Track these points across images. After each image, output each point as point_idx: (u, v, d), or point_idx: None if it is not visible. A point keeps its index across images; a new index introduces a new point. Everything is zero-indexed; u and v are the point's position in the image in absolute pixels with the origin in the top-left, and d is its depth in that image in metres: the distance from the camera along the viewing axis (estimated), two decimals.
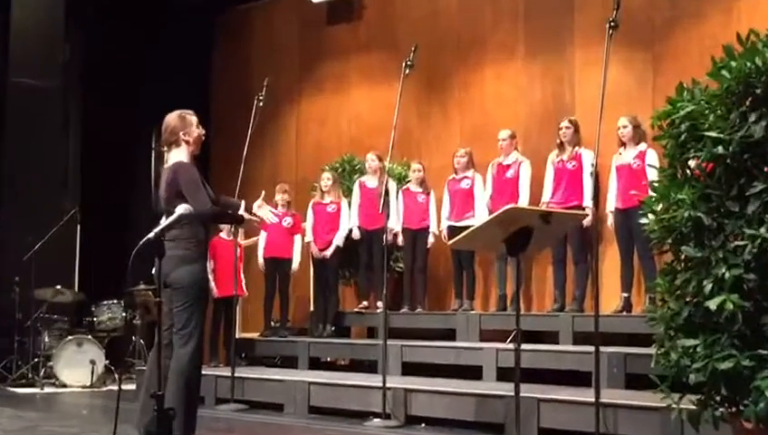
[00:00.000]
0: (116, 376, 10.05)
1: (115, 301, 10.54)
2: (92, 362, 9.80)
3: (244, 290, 9.64)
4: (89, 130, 12.16)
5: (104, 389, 9.83)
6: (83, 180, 12.09)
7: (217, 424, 7.25)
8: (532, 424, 6.17)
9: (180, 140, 5.57)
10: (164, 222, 4.58)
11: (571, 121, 8.68)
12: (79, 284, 11.50)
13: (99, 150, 12.02)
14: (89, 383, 9.76)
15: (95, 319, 10.47)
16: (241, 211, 5.69)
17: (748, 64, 4.00)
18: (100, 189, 11.99)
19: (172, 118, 5.64)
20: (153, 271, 4.60)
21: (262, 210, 5.85)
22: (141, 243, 4.33)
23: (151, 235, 4.35)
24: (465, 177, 9.26)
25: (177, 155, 5.52)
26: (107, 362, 10.00)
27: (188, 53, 12.50)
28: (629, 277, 8.22)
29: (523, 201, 8.79)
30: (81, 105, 12.23)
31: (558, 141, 8.75)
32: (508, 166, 9.05)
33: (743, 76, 4.02)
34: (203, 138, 5.70)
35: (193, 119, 5.65)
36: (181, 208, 4.64)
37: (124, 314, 10.44)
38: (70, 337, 9.93)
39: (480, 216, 8.84)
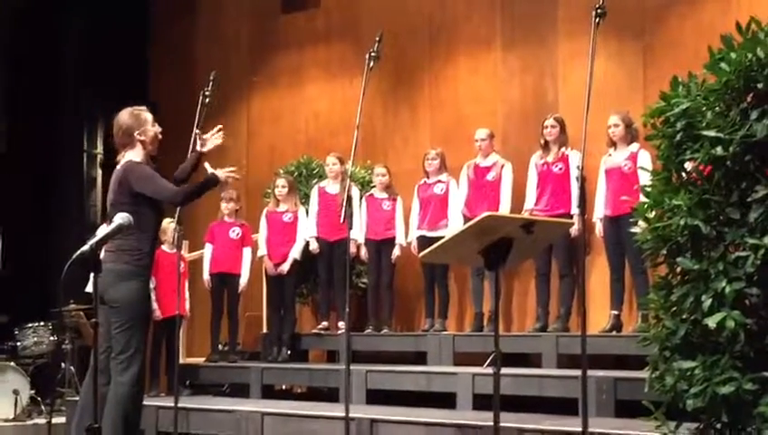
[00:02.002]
0: (43, 408, 9.95)
1: (41, 323, 10.41)
2: (16, 393, 9.68)
3: (186, 310, 9.60)
4: (11, 131, 12.04)
5: (30, 422, 9.72)
6: (4, 189, 11.96)
7: None
8: None
9: (135, 140, 5.61)
10: (100, 232, 4.57)
11: (556, 119, 8.73)
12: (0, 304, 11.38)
13: (22, 155, 11.91)
14: (12, 416, 9.65)
15: (19, 344, 10.35)
16: (210, 171, 5.76)
17: (749, 56, 4.06)
18: (24, 199, 11.88)
19: (124, 116, 5.68)
20: (88, 288, 4.59)
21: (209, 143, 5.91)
22: (75, 256, 4.30)
23: (86, 247, 4.32)
24: (439, 181, 9.30)
25: (131, 156, 5.54)
26: (32, 392, 9.88)
27: (122, 43, 12.42)
28: (620, 293, 8.28)
29: (505, 208, 8.84)
30: (3, 103, 12.11)
31: (542, 142, 8.79)
32: (488, 168, 9.09)
33: (743, 69, 4.08)
34: (160, 136, 5.73)
35: (147, 116, 5.70)
36: (120, 218, 4.62)
37: (52, 338, 10.34)
38: None
39: (455, 224, 8.88)
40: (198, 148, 6.14)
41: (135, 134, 5.60)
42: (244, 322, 10.26)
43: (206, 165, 5.93)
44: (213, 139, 6.11)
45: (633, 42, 9.11)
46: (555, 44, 9.64)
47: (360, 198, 9.55)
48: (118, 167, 5.67)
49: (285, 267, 9.55)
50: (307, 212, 9.70)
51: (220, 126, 6.39)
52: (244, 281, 9.71)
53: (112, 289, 5.21)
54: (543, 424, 6.37)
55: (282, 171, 10.20)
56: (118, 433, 5.13)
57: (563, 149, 8.68)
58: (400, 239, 9.46)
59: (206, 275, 9.74)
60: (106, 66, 12.16)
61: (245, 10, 12.26)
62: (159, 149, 6.00)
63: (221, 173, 5.82)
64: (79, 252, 4.33)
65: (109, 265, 5.01)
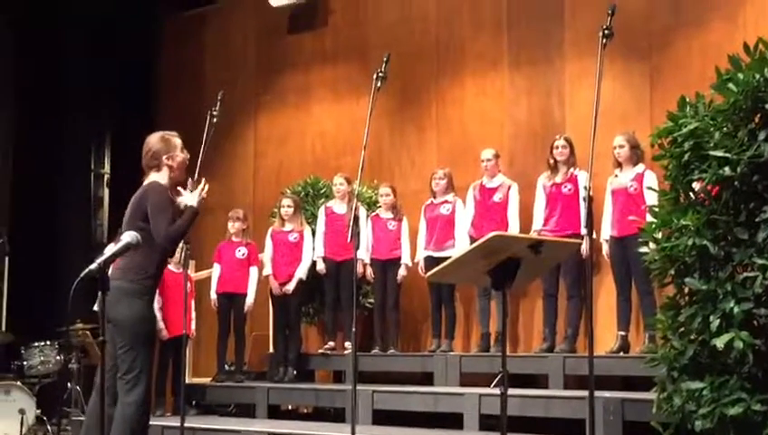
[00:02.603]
0: (49, 428, 9.94)
1: (48, 342, 10.41)
2: (22, 412, 9.67)
3: (192, 330, 9.60)
4: (18, 149, 12.07)
5: None
6: (12, 207, 11.99)
7: None
8: None
9: (162, 164, 5.65)
10: (108, 251, 4.58)
11: (566, 139, 8.73)
12: (6, 323, 11.38)
13: (30, 173, 11.94)
14: None
15: (25, 363, 10.34)
16: (183, 203, 5.72)
17: (756, 77, 4.07)
18: (32, 217, 11.90)
19: (154, 140, 5.72)
20: (95, 307, 4.60)
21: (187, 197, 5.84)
22: (83, 274, 4.31)
23: (94, 265, 4.32)
24: (445, 201, 9.31)
25: (155, 177, 5.57)
26: (38, 411, 9.88)
27: (132, 63, 12.48)
28: (627, 314, 8.27)
29: (514, 229, 8.83)
30: (10, 121, 12.15)
31: (551, 162, 8.78)
32: (494, 189, 9.09)
33: (751, 90, 4.10)
34: (187, 163, 5.76)
35: (177, 141, 5.74)
36: (128, 236, 4.63)
37: (58, 358, 10.33)
38: None
39: (461, 245, 8.87)
40: (187, 202, 5.99)
41: (163, 158, 5.64)
42: (250, 342, 10.24)
43: (181, 190, 5.89)
44: (200, 193, 6.00)
45: (640, 63, 9.12)
46: (562, 65, 9.65)
47: (367, 218, 9.55)
48: (143, 185, 5.70)
49: (290, 287, 9.54)
50: (313, 232, 9.69)
51: (204, 181, 6.26)
52: (250, 301, 9.69)
53: (115, 308, 5.21)
54: None
55: (288, 191, 10.20)
56: None
57: (572, 169, 8.68)
58: (406, 259, 9.45)
59: (213, 295, 9.73)
60: (114, 86, 12.21)
61: (253, 30, 12.30)
62: None
63: (194, 200, 5.77)
64: (87, 270, 4.33)
65: (114, 283, 5.01)
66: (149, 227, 5.38)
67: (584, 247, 7.87)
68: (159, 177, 5.63)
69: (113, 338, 5.28)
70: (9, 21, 11.73)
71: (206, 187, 5.99)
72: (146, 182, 5.66)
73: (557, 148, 8.73)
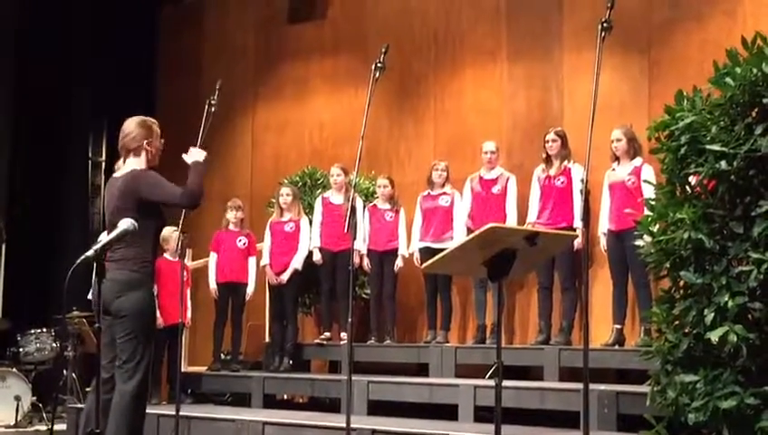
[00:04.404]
0: (44, 415, 9.95)
1: (44, 330, 10.41)
2: (17, 399, 9.69)
3: (188, 318, 9.60)
4: (16, 137, 12.06)
5: (31, 429, 9.71)
6: (10, 194, 11.99)
7: None
8: None
9: (142, 148, 5.63)
10: (105, 238, 4.57)
11: (557, 133, 8.74)
12: (3, 309, 11.39)
13: (28, 160, 11.94)
14: (13, 423, 9.65)
15: (21, 350, 10.34)
16: (190, 160, 5.72)
17: (754, 71, 4.08)
18: (29, 204, 11.90)
19: (135, 123, 5.72)
20: (90, 295, 4.60)
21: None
22: (78, 262, 4.30)
23: (90, 252, 4.32)
24: (444, 193, 9.31)
25: (134, 164, 5.56)
26: (34, 398, 9.88)
27: (130, 52, 12.47)
28: (623, 307, 8.28)
29: (512, 221, 8.84)
30: (8, 108, 12.14)
31: (544, 155, 8.81)
32: (493, 181, 9.10)
33: (748, 84, 4.10)
34: (161, 152, 5.77)
35: (157, 129, 5.77)
36: (125, 223, 4.62)
37: (54, 345, 10.34)
38: None
39: (459, 236, 8.88)
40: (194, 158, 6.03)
41: (144, 142, 5.63)
42: (246, 331, 10.24)
43: (185, 156, 5.90)
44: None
45: (639, 56, 9.12)
46: (561, 58, 9.65)
47: (364, 209, 9.55)
48: (118, 174, 5.68)
49: (285, 277, 9.54)
50: (311, 222, 9.70)
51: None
52: (250, 290, 9.71)
53: (119, 299, 5.21)
54: None
55: (286, 181, 10.20)
56: None
57: (566, 162, 8.69)
58: (403, 250, 9.46)
59: (212, 285, 9.73)
60: (112, 74, 12.20)
61: (252, 20, 12.29)
62: (164, 157, 6.01)
63: (200, 155, 5.78)
64: (83, 257, 4.33)
65: (113, 275, 5.01)
66: (142, 216, 5.31)
67: (578, 240, 7.92)
68: (137, 162, 5.62)
69: (110, 329, 5.28)
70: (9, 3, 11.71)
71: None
72: (124, 170, 5.63)
73: (548, 142, 8.75)
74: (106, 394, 5.17)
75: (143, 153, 5.64)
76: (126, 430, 5.19)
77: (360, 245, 9.39)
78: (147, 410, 5.66)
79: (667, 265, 4.28)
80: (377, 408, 8.13)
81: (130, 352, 5.28)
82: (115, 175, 5.79)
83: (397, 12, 10.92)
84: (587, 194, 5.82)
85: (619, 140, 8.27)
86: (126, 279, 5.25)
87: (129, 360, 5.28)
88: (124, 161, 5.76)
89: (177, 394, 8.17)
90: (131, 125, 5.73)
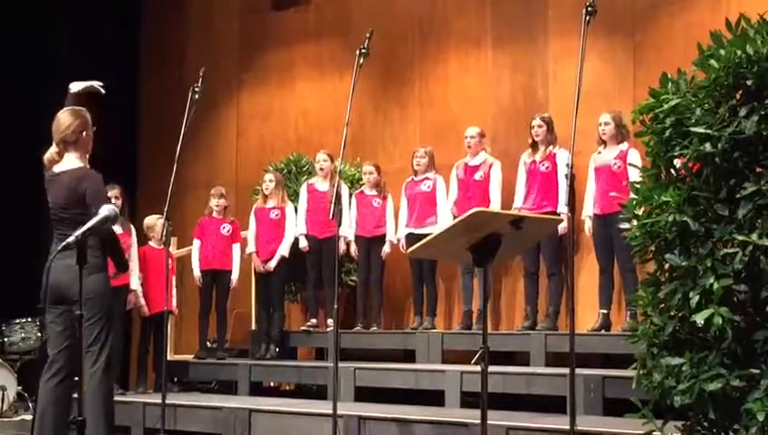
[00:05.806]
0: (30, 404, 9.92)
1: (29, 319, 10.40)
2: (3, 389, 9.65)
3: (174, 306, 9.58)
4: None
5: (17, 418, 9.69)
6: None
7: None
8: None
9: (81, 139, 5.63)
10: (88, 223, 4.56)
11: (543, 119, 8.75)
12: None
13: (10, 148, 11.85)
14: None
15: (6, 340, 10.32)
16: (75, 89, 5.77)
17: (738, 53, 4.06)
18: (10, 192, 11.82)
19: (72, 114, 5.75)
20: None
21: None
22: (60, 248, 4.32)
23: (71, 238, 4.33)
24: (426, 178, 9.30)
25: (77, 160, 5.56)
26: (20, 388, 9.86)
27: (114, 38, 12.39)
28: (609, 292, 8.29)
29: (495, 207, 8.84)
30: None
31: (530, 141, 8.82)
32: (476, 167, 9.09)
33: (732, 66, 4.08)
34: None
35: (90, 117, 5.77)
36: (106, 210, 4.64)
37: (39, 334, 10.30)
38: None
39: (443, 222, 8.87)
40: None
41: (83, 133, 5.65)
42: (232, 319, 10.25)
43: (71, 86, 5.97)
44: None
45: (623, 40, 9.12)
46: (545, 43, 9.64)
47: (350, 196, 9.54)
48: (61, 169, 5.69)
49: (272, 264, 9.53)
50: (296, 209, 9.68)
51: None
52: (235, 277, 9.71)
53: (83, 282, 5.24)
54: (531, 422, 6.38)
55: (270, 168, 10.18)
56: (101, 422, 5.26)
57: (551, 147, 8.70)
58: (390, 236, 9.45)
59: (196, 272, 9.71)
60: (95, 61, 12.10)
61: (236, 6, 12.24)
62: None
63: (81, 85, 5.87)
64: (64, 243, 4.35)
65: (67, 262, 4.95)
66: (90, 213, 5.29)
67: (563, 225, 7.91)
68: (79, 155, 5.65)
69: (65, 317, 5.37)
70: None
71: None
72: (68, 166, 5.65)
73: (533, 127, 8.77)
74: (58, 384, 5.29)
75: (81, 145, 5.67)
76: (103, 406, 5.37)
77: (347, 231, 9.39)
78: (132, 399, 5.74)
79: (653, 248, 4.27)
80: (364, 394, 8.15)
81: (96, 334, 5.48)
82: (55, 170, 5.77)
83: None
84: (572, 179, 5.84)
85: (607, 124, 8.27)
86: (90, 263, 5.26)
87: (94, 342, 5.54)
88: (60, 155, 5.75)
89: (164, 383, 8.16)
90: (68, 117, 5.75)
